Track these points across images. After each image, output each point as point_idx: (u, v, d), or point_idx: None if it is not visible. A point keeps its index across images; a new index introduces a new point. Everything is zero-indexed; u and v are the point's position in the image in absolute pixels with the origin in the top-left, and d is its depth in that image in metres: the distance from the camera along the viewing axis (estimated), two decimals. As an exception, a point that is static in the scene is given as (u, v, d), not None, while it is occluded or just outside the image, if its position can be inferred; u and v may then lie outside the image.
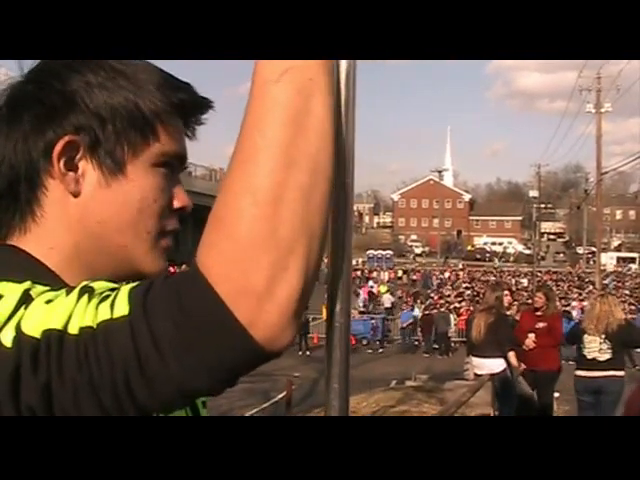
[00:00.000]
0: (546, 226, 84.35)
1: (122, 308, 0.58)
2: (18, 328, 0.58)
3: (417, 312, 24.42)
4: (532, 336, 7.41)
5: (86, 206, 0.74)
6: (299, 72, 0.60)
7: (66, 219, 0.74)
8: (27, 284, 0.63)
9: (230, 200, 0.58)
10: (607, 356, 6.69)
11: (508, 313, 8.32)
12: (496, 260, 65.01)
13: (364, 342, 22.76)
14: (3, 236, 0.76)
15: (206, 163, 42.84)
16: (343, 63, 0.70)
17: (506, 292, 7.95)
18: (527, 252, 66.51)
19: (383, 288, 34.68)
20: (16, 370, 0.56)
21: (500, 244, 73.97)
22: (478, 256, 68.13)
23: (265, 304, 0.56)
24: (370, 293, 33.16)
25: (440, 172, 77.22)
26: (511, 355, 7.29)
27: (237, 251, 0.56)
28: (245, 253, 0.56)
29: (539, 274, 45.46)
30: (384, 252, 56.91)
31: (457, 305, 26.88)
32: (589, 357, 6.76)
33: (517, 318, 8.63)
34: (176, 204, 0.79)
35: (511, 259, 68.25)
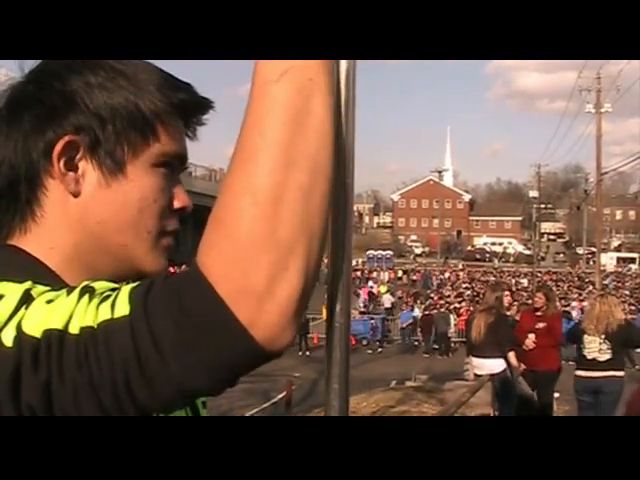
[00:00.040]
0: (546, 226, 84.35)
1: (123, 308, 0.58)
2: (19, 328, 0.58)
3: (417, 312, 24.43)
4: (532, 336, 7.41)
5: (86, 206, 0.74)
6: (299, 72, 0.60)
7: (66, 219, 0.74)
8: (28, 284, 0.63)
9: (230, 200, 0.58)
10: (607, 356, 6.69)
11: (508, 313, 8.32)
12: (496, 260, 65.03)
13: (364, 342, 22.76)
14: (3, 236, 0.76)
15: (206, 163, 42.88)
16: (343, 63, 0.70)
17: (507, 292, 7.94)
18: (527, 252, 66.49)
19: (383, 288, 34.71)
20: (16, 369, 0.56)
21: (500, 244, 73.93)
22: (478, 256, 68.11)
23: (265, 304, 0.56)
24: (370, 293, 33.18)
25: (440, 172, 77.23)
26: (511, 355, 7.29)
27: (237, 251, 0.56)
28: (245, 253, 0.56)
29: (539, 274, 45.47)
30: (384, 252, 56.90)
31: (457, 305, 26.88)
32: (589, 357, 6.77)
33: (517, 318, 8.63)
34: (176, 204, 0.80)
35: (511, 259, 68.23)
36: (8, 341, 0.58)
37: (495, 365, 7.27)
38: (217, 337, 0.56)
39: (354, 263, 47.93)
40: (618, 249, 72.35)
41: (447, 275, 49.30)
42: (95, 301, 0.59)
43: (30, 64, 0.78)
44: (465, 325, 11.13)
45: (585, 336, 6.80)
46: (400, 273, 51.03)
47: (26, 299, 0.61)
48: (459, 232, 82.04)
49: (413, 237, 79.27)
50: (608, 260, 57.63)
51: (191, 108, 0.80)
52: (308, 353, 18.74)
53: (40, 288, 0.63)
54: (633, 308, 27.03)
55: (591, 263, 50.15)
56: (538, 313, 7.57)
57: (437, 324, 22.37)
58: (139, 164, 0.75)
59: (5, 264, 0.71)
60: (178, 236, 0.81)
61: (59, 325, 0.58)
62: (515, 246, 74.11)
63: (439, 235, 67.70)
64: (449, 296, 31.49)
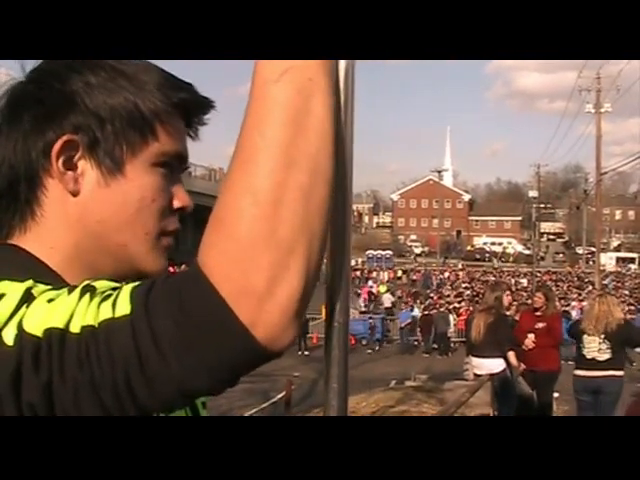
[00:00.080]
0: (546, 226, 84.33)
1: (124, 307, 0.58)
2: (20, 327, 0.58)
3: (416, 312, 24.44)
4: (532, 336, 7.41)
5: (85, 205, 0.74)
6: (299, 72, 0.60)
7: (66, 218, 0.75)
8: (29, 283, 0.63)
9: (230, 200, 0.58)
10: (606, 356, 6.69)
11: (508, 313, 8.32)
12: (495, 260, 65.04)
13: (363, 342, 22.77)
14: (4, 236, 0.76)
15: (206, 163, 42.84)
16: (342, 63, 0.70)
17: (507, 292, 7.94)
18: (526, 252, 66.48)
19: (383, 288, 34.71)
20: (17, 368, 0.57)
21: (500, 244, 73.92)
22: (477, 256, 68.13)
23: (266, 304, 0.56)
24: (370, 293, 33.18)
25: (440, 172, 77.02)
26: (511, 355, 7.29)
27: (237, 251, 0.56)
28: (245, 253, 0.56)
29: (538, 274, 45.48)
30: (384, 252, 56.95)
31: (457, 305, 26.91)
32: (588, 357, 6.77)
33: (517, 318, 8.63)
34: (176, 204, 0.80)
35: (510, 259, 68.23)
36: (9, 340, 0.58)
37: (495, 365, 7.26)
38: (218, 337, 0.56)
39: (354, 263, 47.97)
40: (617, 249, 72.38)
41: (447, 275, 49.33)
42: (96, 300, 0.59)
43: (31, 64, 0.78)
44: (465, 325, 11.15)
45: (584, 336, 6.80)
46: (400, 273, 51.04)
47: (27, 298, 0.61)
48: (459, 232, 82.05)
49: (413, 237, 79.27)
50: (608, 260, 57.66)
51: (192, 108, 0.80)
52: (307, 353, 18.73)
53: (41, 287, 0.63)
54: (633, 308, 27.04)
55: (591, 263, 50.14)
56: (538, 313, 7.58)
57: (437, 324, 22.37)
58: (138, 164, 0.75)
59: (6, 263, 0.71)
60: (178, 236, 0.81)
61: (60, 324, 0.58)
62: (515, 246, 74.11)
63: (439, 235, 67.70)
64: (449, 296, 31.52)
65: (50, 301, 0.60)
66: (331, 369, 0.70)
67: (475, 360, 7.63)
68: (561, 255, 72.56)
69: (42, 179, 0.74)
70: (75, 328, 0.57)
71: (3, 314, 0.59)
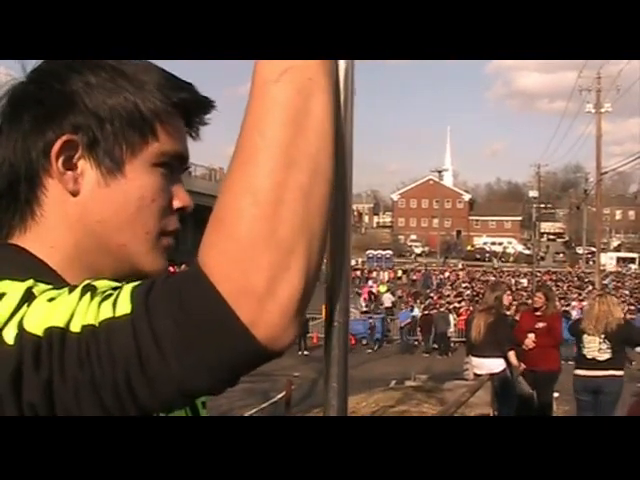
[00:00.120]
0: (546, 226, 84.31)
1: (124, 307, 0.58)
2: (20, 326, 0.58)
3: (416, 312, 24.44)
4: (532, 336, 7.41)
5: (85, 205, 0.74)
6: (299, 72, 0.60)
7: (66, 218, 0.75)
8: (30, 282, 0.63)
9: (230, 200, 0.58)
10: (606, 356, 6.69)
11: (508, 313, 8.32)
12: (495, 260, 65.04)
13: (364, 342, 22.77)
14: (4, 236, 0.76)
15: (206, 163, 42.83)
16: (342, 63, 0.70)
17: (507, 292, 7.94)
18: (527, 252, 66.47)
19: (383, 288, 34.70)
20: (18, 368, 0.57)
21: (500, 244, 73.91)
22: (478, 256, 68.12)
23: (266, 304, 0.56)
24: (370, 293, 33.18)
25: (440, 172, 77.01)
26: (511, 355, 7.29)
27: (238, 251, 0.56)
28: (245, 253, 0.56)
29: (539, 274, 45.47)
30: (384, 252, 56.94)
31: (457, 305, 26.91)
32: (588, 357, 6.77)
33: (517, 318, 8.63)
34: (176, 204, 0.80)
35: (511, 259, 68.23)
36: (10, 339, 0.58)
37: (495, 365, 7.27)
38: (218, 337, 0.56)
39: (354, 263, 47.96)
40: (618, 249, 72.34)
41: (447, 275, 49.32)
42: (97, 299, 0.59)
43: (31, 64, 0.78)
44: (465, 325, 11.15)
45: (585, 336, 6.81)
46: (400, 273, 51.04)
47: (28, 297, 0.61)
48: (459, 232, 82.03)
49: (413, 237, 79.25)
50: (608, 260, 57.63)
51: (192, 107, 0.80)
52: (307, 352, 18.72)
53: (42, 286, 0.63)
54: (633, 308, 27.04)
55: (591, 263, 50.14)
56: (538, 313, 7.58)
57: (437, 324, 22.38)
58: (138, 163, 0.75)
59: (6, 263, 0.71)
60: (178, 236, 0.81)
61: (61, 323, 0.58)
62: (515, 246, 74.11)
63: (439, 235, 67.66)
64: (449, 296, 31.52)
65: (51, 300, 0.60)
66: (331, 369, 0.70)
67: (475, 360, 7.63)
68: (561, 255, 72.53)
69: (42, 179, 0.74)
70: (76, 327, 0.57)
71: (4, 313, 0.59)
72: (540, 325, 7.46)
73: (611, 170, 30.09)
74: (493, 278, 41.62)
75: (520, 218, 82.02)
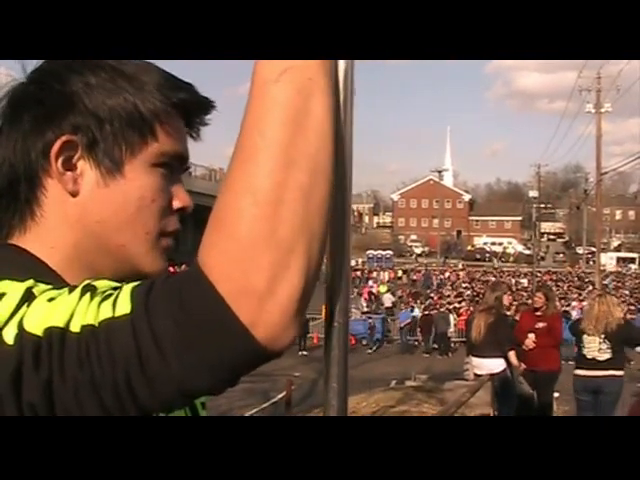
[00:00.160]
0: (546, 226, 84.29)
1: (124, 307, 0.58)
2: (20, 326, 0.58)
3: (417, 312, 24.44)
4: (532, 336, 7.41)
5: (85, 206, 0.74)
6: (298, 72, 0.60)
7: (66, 219, 0.75)
8: (30, 282, 0.63)
9: (230, 200, 0.58)
10: (607, 356, 6.69)
11: (508, 313, 8.32)
12: (496, 260, 65.03)
13: (364, 342, 22.77)
14: (4, 236, 0.76)
15: (206, 163, 42.83)
16: (342, 63, 0.70)
17: (507, 292, 7.94)
18: (527, 252, 66.44)
19: (383, 288, 34.70)
20: (18, 368, 0.57)
21: (500, 244, 73.89)
22: (478, 256, 68.10)
23: (266, 304, 0.56)
24: (370, 293, 33.19)
25: (440, 172, 77.00)
26: (511, 355, 7.29)
27: (238, 251, 0.56)
28: (246, 253, 0.56)
29: (539, 274, 45.46)
30: (384, 252, 56.96)
31: (457, 305, 26.90)
32: (588, 357, 6.77)
33: (517, 318, 8.63)
34: (176, 204, 0.80)
35: (511, 259, 68.19)
36: (9, 339, 0.58)
37: (495, 365, 7.27)
38: (218, 337, 0.56)
39: (354, 263, 47.95)
40: (618, 249, 72.32)
41: (447, 275, 49.31)
42: (96, 299, 0.59)
43: (32, 64, 0.78)
44: (465, 325, 11.14)
45: (585, 336, 6.80)
46: (400, 273, 51.04)
47: (28, 297, 0.61)
48: (459, 232, 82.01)
49: (413, 237, 79.23)
50: (608, 260, 57.62)
51: (192, 108, 0.80)
52: (306, 353, 18.71)
53: (42, 286, 0.63)
54: (633, 308, 27.04)
55: (591, 263, 50.14)
56: (538, 313, 7.57)
57: (437, 324, 22.38)
58: (137, 164, 0.75)
59: (6, 263, 0.71)
60: (178, 236, 0.81)
61: (60, 323, 0.58)
62: (515, 246, 74.07)
63: (439, 235, 67.71)
64: (449, 296, 31.53)
65: (50, 300, 0.60)
66: (331, 369, 0.70)
67: (475, 360, 7.63)
68: (561, 255, 72.51)
69: (42, 179, 0.74)
70: (75, 327, 0.57)
71: (4, 313, 0.59)
72: (540, 325, 7.46)
73: (611, 170, 30.10)
74: (493, 278, 41.57)
75: (520, 218, 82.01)
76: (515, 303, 12.94)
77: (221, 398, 0.70)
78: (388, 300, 30.00)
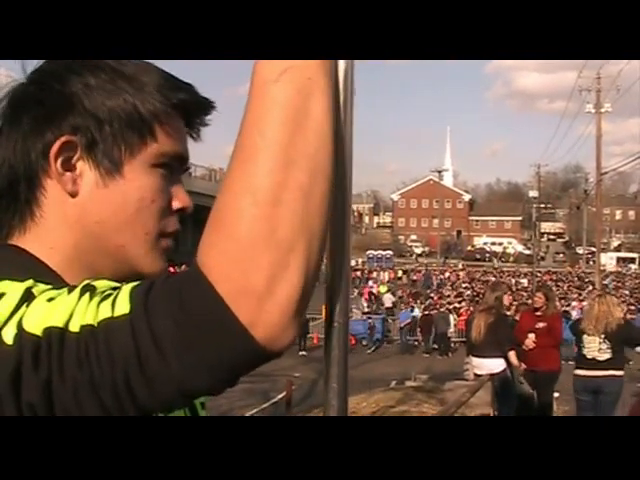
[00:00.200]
0: (546, 226, 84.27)
1: (123, 307, 0.58)
2: (20, 326, 0.58)
3: (417, 312, 24.44)
4: (532, 336, 7.41)
5: (84, 206, 0.74)
6: (298, 72, 0.60)
7: (65, 219, 0.75)
8: (29, 282, 0.63)
9: (230, 200, 0.58)
10: (607, 356, 6.69)
11: (508, 313, 8.32)
12: (496, 260, 65.02)
13: (364, 342, 22.78)
14: (4, 236, 0.76)
15: (206, 163, 42.82)
16: (341, 63, 0.70)
17: (507, 292, 7.95)
18: (527, 252, 66.42)
19: (383, 288, 34.71)
20: (17, 368, 0.57)
21: (500, 244, 73.86)
22: (478, 256, 68.10)
23: (266, 304, 0.56)
24: (370, 293, 33.19)
25: (440, 172, 76.95)
26: (512, 354, 7.30)
27: (237, 251, 0.56)
28: (245, 253, 0.56)
29: (539, 274, 45.46)
30: (384, 252, 56.97)
31: (457, 305, 26.91)
32: (588, 357, 6.77)
33: (517, 318, 8.63)
34: (176, 205, 0.80)
35: (511, 259, 68.19)
36: (9, 339, 0.58)
37: (495, 365, 7.27)
38: (217, 337, 0.56)
39: (354, 263, 47.96)
40: (618, 249, 72.32)
41: (447, 275, 49.31)
42: (96, 299, 0.59)
43: (32, 64, 0.78)
44: (465, 325, 11.14)
45: (585, 336, 6.81)
46: (400, 273, 51.04)
47: (27, 297, 0.61)
48: (459, 232, 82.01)
49: (413, 237, 79.22)
50: (608, 260, 57.61)
51: (192, 108, 0.80)
52: (305, 353, 18.71)
53: (41, 286, 0.63)
54: (633, 308, 27.04)
55: (591, 263, 50.13)
56: (538, 313, 7.58)
57: (437, 324, 22.38)
58: (137, 164, 0.75)
59: (6, 263, 0.71)
60: (178, 236, 0.81)
61: (60, 323, 0.58)
62: (515, 246, 74.06)
63: (439, 235, 67.71)
64: (449, 296, 31.53)
65: (50, 300, 0.60)
66: (331, 369, 0.70)
67: (475, 360, 7.63)
68: (561, 255, 72.51)
69: (41, 180, 0.74)
70: (75, 327, 0.57)
71: (3, 313, 0.59)
72: (540, 325, 7.46)
73: (611, 170, 30.11)
74: (493, 278, 41.58)
75: (520, 218, 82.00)
76: (515, 303, 12.94)
77: (221, 398, 0.70)
78: (388, 300, 30.00)
